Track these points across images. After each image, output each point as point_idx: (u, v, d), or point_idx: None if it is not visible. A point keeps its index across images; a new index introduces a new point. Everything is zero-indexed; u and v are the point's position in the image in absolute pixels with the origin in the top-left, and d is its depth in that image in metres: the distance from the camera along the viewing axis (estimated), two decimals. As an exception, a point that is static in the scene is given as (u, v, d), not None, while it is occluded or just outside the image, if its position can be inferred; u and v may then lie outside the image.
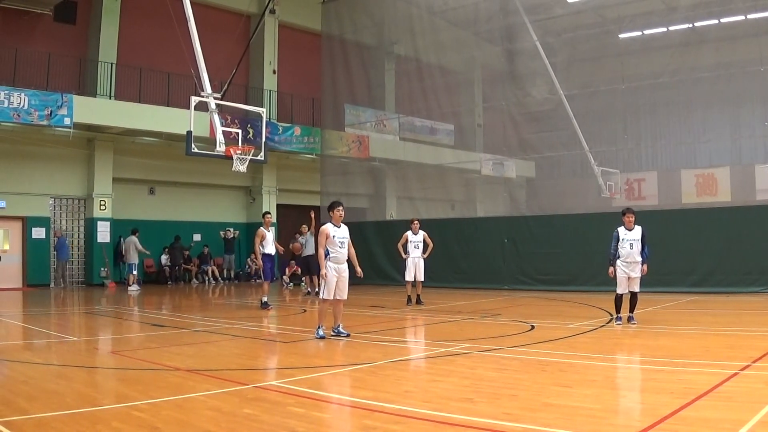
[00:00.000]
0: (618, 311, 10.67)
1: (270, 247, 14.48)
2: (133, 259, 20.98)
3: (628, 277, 10.49)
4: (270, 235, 14.48)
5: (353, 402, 5.83)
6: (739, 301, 14.19)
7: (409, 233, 15.06)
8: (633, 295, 10.62)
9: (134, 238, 21.13)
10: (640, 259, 10.48)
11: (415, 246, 14.96)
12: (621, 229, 10.59)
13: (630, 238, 10.47)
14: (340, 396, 6.16)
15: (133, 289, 20.09)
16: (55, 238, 21.19)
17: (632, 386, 6.39)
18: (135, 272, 20.87)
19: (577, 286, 17.61)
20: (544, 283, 18.54)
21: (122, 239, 22.95)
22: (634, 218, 10.57)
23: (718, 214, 17.33)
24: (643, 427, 4.65)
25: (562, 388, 6.09)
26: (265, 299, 14.29)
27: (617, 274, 10.55)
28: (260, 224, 14.66)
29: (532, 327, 10.63)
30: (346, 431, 5.17)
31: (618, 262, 10.52)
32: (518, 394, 5.87)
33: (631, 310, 10.64)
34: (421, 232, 15.06)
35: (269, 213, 15.09)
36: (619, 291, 10.61)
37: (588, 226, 18.27)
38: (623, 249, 10.48)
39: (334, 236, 9.34)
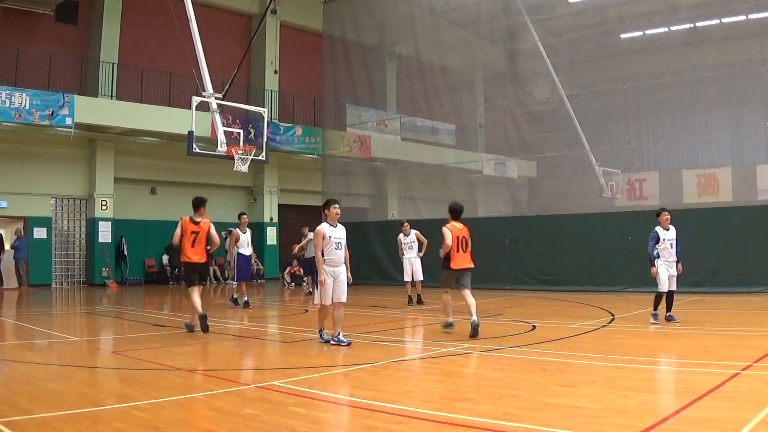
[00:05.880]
0: (656, 308, 10.54)
1: (245, 248, 14.62)
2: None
3: (669, 276, 10.44)
4: (245, 236, 14.68)
5: (354, 402, 5.83)
6: (740, 301, 14.17)
7: (401, 236, 15.18)
8: (670, 294, 10.54)
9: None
10: (676, 258, 10.50)
11: (409, 247, 15.13)
12: (659, 229, 10.55)
13: (669, 238, 10.50)
14: (342, 396, 6.16)
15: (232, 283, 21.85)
16: (16, 237, 20.91)
17: (633, 386, 6.38)
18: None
19: (578, 286, 17.60)
20: (546, 283, 18.53)
21: (123, 239, 23.01)
22: (670, 217, 10.57)
23: (720, 215, 17.31)
24: (644, 427, 4.64)
25: (564, 388, 6.09)
26: (245, 299, 14.58)
27: (660, 273, 10.44)
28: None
29: (534, 327, 10.63)
30: (348, 431, 5.17)
31: (660, 261, 10.46)
32: (519, 394, 5.87)
33: (669, 309, 10.57)
34: (413, 232, 15.22)
35: (245, 214, 15.26)
36: (662, 289, 10.49)
37: (589, 226, 18.27)
38: (665, 249, 10.45)
39: (330, 237, 8.74)
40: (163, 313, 14.44)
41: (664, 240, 10.46)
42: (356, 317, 12.29)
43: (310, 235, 17.20)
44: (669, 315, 10.56)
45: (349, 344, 8.72)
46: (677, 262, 10.53)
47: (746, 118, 22.70)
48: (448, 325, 10.21)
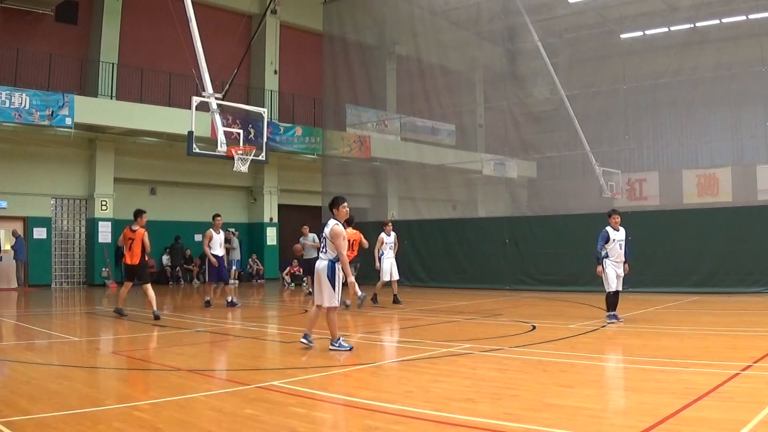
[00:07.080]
0: (614, 309, 10.83)
1: (218, 249, 14.72)
2: (236, 255, 22.03)
3: (616, 276, 10.80)
4: (218, 236, 14.80)
5: (354, 402, 5.83)
6: (740, 301, 14.18)
7: (383, 235, 15.20)
8: (616, 294, 10.89)
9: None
10: (624, 258, 10.88)
11: (390, 247, 15.22)
12: (610, 230, 10.88)
13: (619, 239, 10.86)
14: (342, 396, 6.16)
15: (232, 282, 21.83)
16: (14, 238, 20.78)
17: (633, 386, 6.38)
18: (236, 267, 22.37)
19: (578, 286, 17.59)
20: (546, 284, 18.52)
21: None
22: (620, 219, 10.99)
23: (720, 215, 17.33)
24: (644, 427, 4.64)
25: (564, 389, 6.09)
26: (207, 298, 14.86)
27: (608, 273, 10.79)
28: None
29: (534, 327, 10.63)
30: (348, 431, 5.17)
31: (608, 261, 10.80)
32: (519, 395, 5.87)
33: (615, 308, 10.94)
34: (393, 233, 15.41)
35: (219, 215, 15.29)
36: (612, 289, 10.81)
37: (589, 227, 18.14)
38: (614, 249, 10.79)
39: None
40: (163, 313, 14.42)
41: (614, 240, 10.79)
42: (356, 317, 12.30)
43: (311, 235, 17.23)
44: (613, 314, 10.86)
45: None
46: (624, 263, 10.86)
47: (746, 118, 22.68)
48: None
